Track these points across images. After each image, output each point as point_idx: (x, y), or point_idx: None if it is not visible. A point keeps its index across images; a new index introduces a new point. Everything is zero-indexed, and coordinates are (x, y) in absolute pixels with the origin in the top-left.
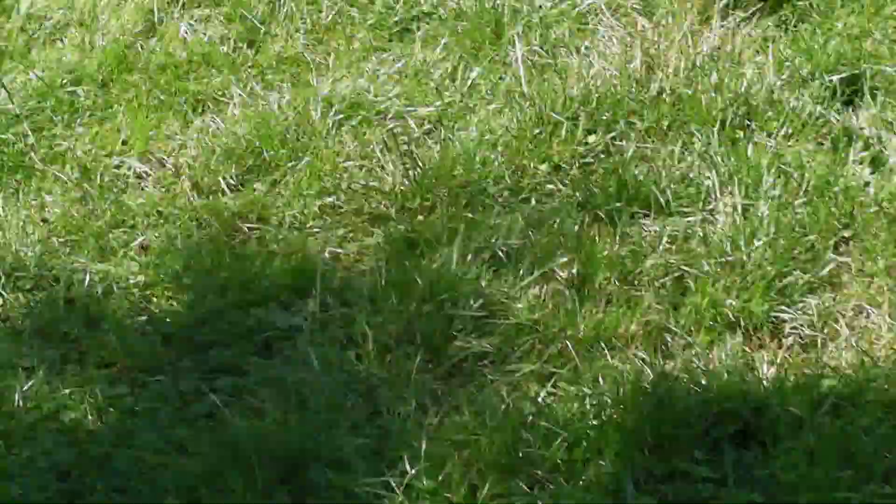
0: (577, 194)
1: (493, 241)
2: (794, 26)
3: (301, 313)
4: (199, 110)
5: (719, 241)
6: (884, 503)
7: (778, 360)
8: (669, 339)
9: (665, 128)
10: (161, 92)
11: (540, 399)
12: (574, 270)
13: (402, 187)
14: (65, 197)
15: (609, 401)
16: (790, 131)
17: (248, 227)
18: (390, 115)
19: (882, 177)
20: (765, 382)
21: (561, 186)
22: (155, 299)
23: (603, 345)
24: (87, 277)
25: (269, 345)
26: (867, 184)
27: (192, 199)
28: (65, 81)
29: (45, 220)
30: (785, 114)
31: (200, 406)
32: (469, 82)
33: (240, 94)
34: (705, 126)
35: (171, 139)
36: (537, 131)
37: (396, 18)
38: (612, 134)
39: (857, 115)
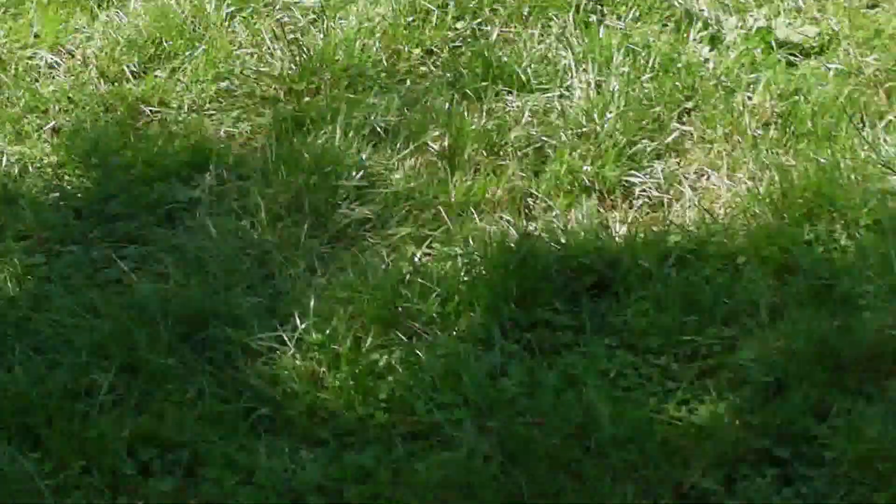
0: (448, 75)
1: (373, 118)
2: None
3: (200, 187)
4: (104, 5)
5: (575, 115)
6: (722, 342)
7: (629, 220)
8: (532, 203)
9: (525, 13)
10: None
11: (416, 259)
12: (445, 143)
13: (289, 72)
14: None
15: (478, 259)
16: (637, 14)
17: (151, 111)
18: (278, 7)
19: (719, 53)
20: (617, 239)
21: (433, 68)
22: (67, 177)
23: (472, 209)
24: (4, 159)
25: (171, 216)
26: (706, 60)
27: (98, 86)
28: None
29: None
30: None
31: (110, 272)
32: None
33: None
34: (562, 11)
35: (79, 32)
36: (411, 19)
37: None
38: (479, 20)
39: None
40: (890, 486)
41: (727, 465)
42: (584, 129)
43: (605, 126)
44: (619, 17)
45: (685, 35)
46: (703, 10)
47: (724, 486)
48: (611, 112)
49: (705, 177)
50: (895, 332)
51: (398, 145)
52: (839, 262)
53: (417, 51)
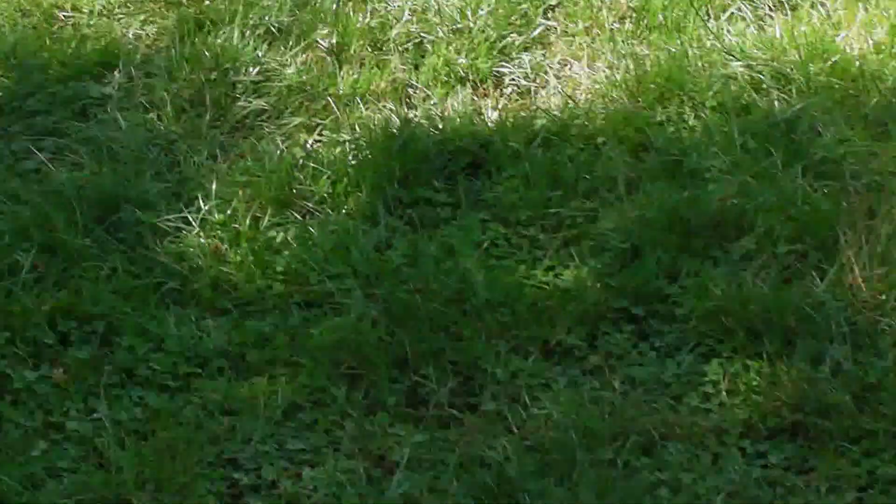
0: None
1: (267, 19)
2: None
3: (110, 84)
4: None
5: (451, 13)
6: (584, 214)
7: (500, 106)
8: (412, 93)
9: None
10: None
11: (308, 146)
12: (333, 40)
13: None
14: None
15: (364, 144)
16: None
17: (64, 16)
18: None
19: None
20: (489, 124)
21: None
22: None
23: (358, 100)
24: None
25: (84, 111)
26: None
27: None
28: None
29: None
30: None
31: (30, 163)
32: None
33: None
34: None
35: None
36: None
37: None
38: None
39: None
40: (733, 337)
41: (590, 323)
42: (459, 26)
43: (478, 22)
44: None
45: None
46: None
47: (587, 341)
48: (483, 10)
49: (568, 66)
50: (737, 202)
51: (290, 43)
52: (688, 140)
53: None
